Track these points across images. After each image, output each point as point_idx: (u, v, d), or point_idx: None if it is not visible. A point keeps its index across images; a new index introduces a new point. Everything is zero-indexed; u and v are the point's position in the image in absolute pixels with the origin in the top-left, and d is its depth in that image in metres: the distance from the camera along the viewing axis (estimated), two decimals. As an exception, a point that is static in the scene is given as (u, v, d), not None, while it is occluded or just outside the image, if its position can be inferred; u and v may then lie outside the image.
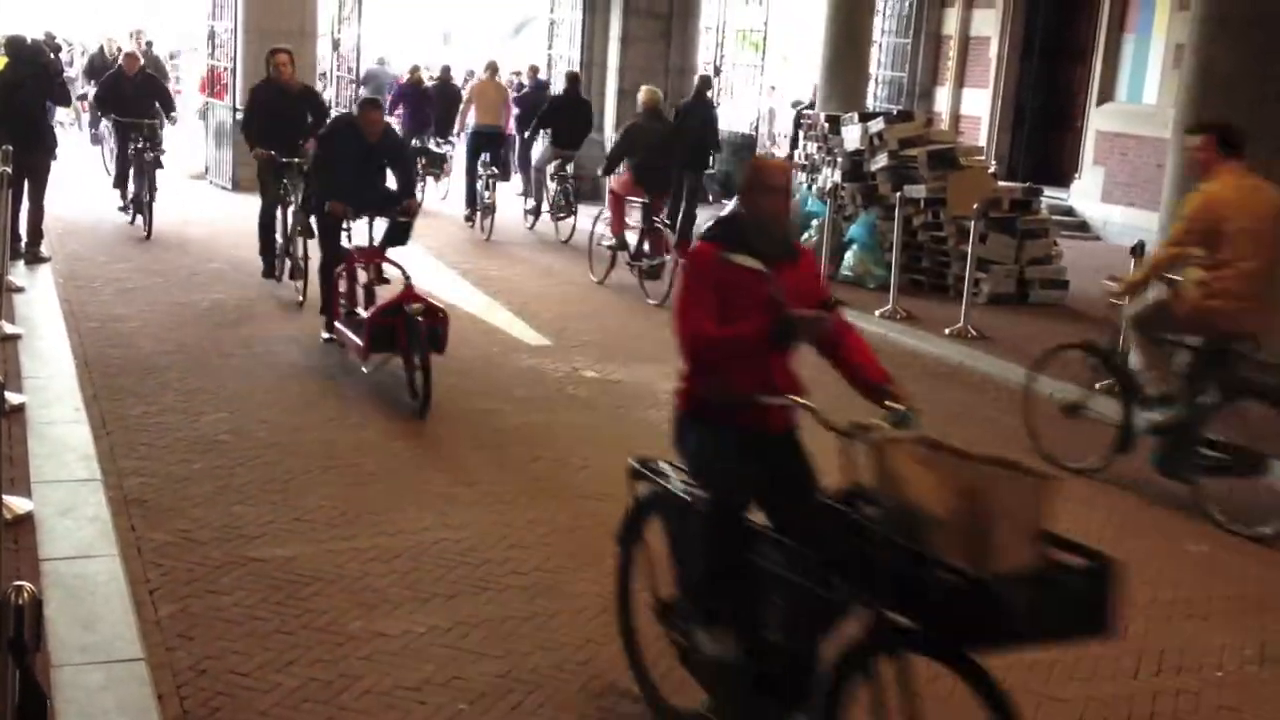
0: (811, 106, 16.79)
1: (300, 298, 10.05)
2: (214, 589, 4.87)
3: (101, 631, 4.43)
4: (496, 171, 15.15)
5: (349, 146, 8.55)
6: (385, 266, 8.48)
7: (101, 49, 21.45)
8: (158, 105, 13.71)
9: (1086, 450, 7.01)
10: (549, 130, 15.10)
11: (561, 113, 14.87)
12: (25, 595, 2.61)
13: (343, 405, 7.51)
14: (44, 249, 11.12)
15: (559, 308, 10.78)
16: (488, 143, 15.34)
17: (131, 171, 13.43)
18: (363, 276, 8.52)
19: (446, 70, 18.71)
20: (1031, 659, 4.73)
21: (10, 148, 9.86)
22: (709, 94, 15.56)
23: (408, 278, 7.86)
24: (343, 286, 8.56)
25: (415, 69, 18.03)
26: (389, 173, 8.86)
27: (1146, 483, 6.73)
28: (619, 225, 12.11)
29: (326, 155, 8.81)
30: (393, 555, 5.30)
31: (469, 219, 15.41)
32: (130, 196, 13.53)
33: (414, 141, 16.42)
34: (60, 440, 6.39)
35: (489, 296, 10.93)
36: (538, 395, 8.02)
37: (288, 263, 10.67)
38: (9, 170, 9.35)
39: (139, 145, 13.14)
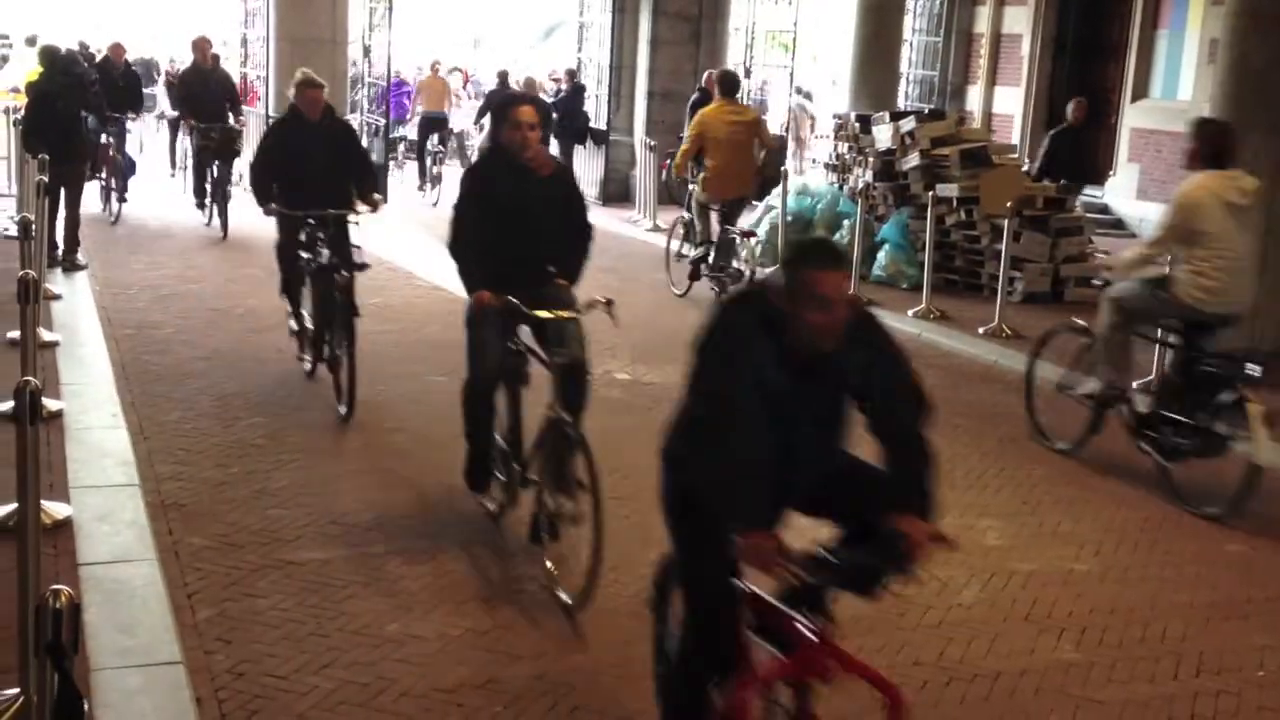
0: (809, 97, 16.86)
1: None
2: (251, 592, 4.90)
3: (140, 635, 4.46)
4: (444, 150, 19.10)
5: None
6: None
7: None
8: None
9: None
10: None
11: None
12: (63, 599, 2.63)
13: (377, 410, 7.53)
14: (80, 256, 11.24)
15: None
16: (434, 126, 19.11)
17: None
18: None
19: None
20: (1069, 660, 4.70)
21: (46, 157, 10.02)
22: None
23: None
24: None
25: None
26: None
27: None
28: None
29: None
30: (428, 558, 5.32)
31: (420, 188, 18.65)
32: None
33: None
34: (98, 446, 6.45)
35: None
36: (570, 398, 8.01)
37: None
38: (46, 179, 9.49)
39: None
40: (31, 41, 18.84)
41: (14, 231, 11.78)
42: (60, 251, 11.04)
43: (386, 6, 18.24)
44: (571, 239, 5.73)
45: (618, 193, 17.85)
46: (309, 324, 7.92)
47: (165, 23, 29.33)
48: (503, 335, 5.47)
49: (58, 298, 9.66)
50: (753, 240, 11.35)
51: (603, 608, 4.91)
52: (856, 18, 16.11)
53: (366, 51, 18.38)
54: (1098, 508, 6.42)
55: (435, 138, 18.98)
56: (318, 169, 7.76)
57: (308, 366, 8.02)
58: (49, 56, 11.63)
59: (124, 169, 14.42)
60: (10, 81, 16.75)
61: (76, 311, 9.49)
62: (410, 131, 21.24)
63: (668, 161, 15.63)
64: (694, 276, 11.53)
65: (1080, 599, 5.27)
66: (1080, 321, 7.58)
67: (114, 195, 14.10)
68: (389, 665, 4.39)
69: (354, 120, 15.30)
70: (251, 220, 10.27)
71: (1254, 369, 6.29)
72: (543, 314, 5.20)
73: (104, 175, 14.17)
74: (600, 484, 4.75)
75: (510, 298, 5.21)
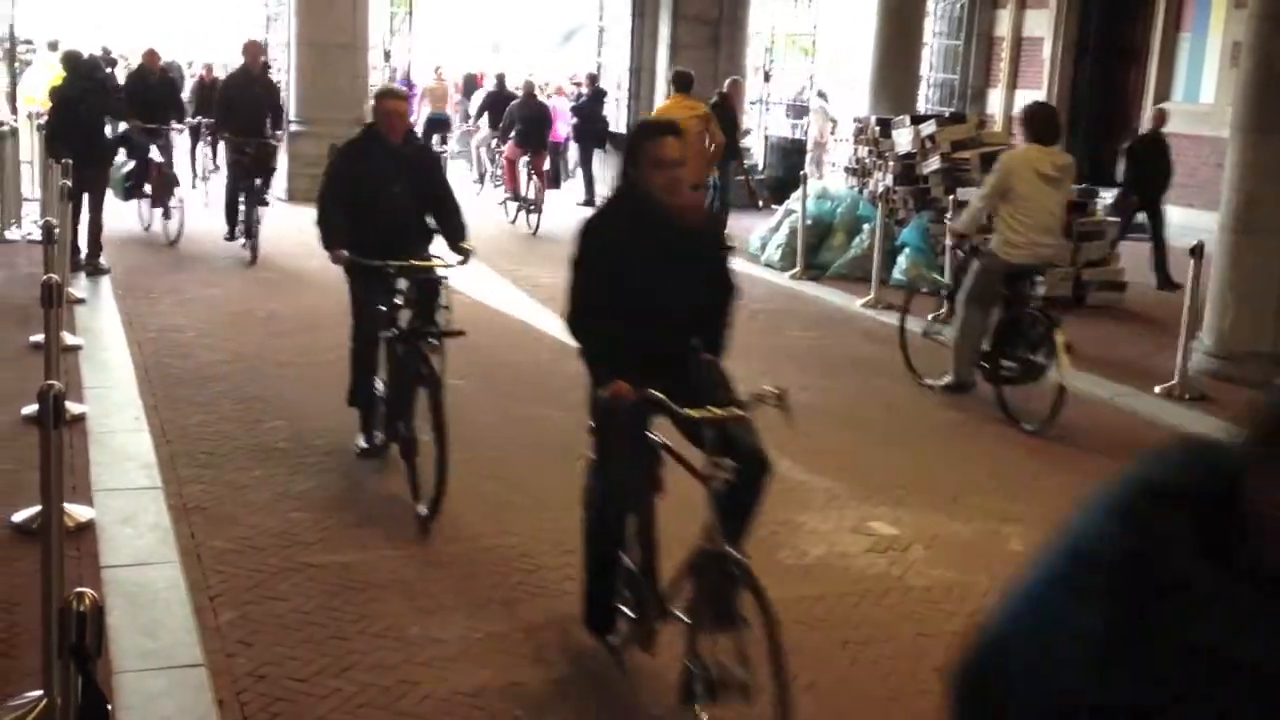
0: (826, 99, 16.86)
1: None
2: (273, 595, 4.91)
3: (162, 638, 4.48)
4: (446, 149, 19.73)
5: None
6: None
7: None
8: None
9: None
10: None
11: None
12: (87, 602, 2.64)
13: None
14: (103, 260, 11.30)
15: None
16: (438, 127, 20.43)
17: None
18: None
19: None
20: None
21: (70, 161, 10.09)
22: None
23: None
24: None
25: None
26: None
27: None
28: None
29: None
30: (449, 561, 5.33)
31: None
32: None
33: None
34: (121, 449, 6.48)
35: (538, 303, 10.95)
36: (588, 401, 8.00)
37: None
38: (69, 183, 9.54)
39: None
40: (53, 46, 18.95)
41: (38, 236, 11.87)
42: (83, 256, 11.10)
43: (406, 11, 18.32)
44: (718, 305, 4.41)
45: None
46: (379, 390, 6.50)
47: (183, 27, 29.47)
48: (639, 436, 4.19)
49: (81, 301, 9.71)
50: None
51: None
52: (876, 21, 16.10)
53: (387, 56, 18.48)
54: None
55: (438, 138, 20.02)
56: (397, 205, 6.31)
57: (362, 443, 6.58)
58: (71, 61, 11.71)
59: (171, 183, 13.25)
60: (34, 87, 16.84)
61: (99, 315, 9.54)
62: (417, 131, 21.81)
63: None
64: None
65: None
66: (939, 278, 9.31)
67: (166, 212, 13.06)
68: (410, 668, 4.39)
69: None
70: (283, 244, 9.97)
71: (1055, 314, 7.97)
72: (697, 413, 3.86)
73: (153, 192, 13.23)
74: (779, 647, 3.62)
75: (651, 391, 3.91)
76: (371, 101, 7.01)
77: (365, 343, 6.49)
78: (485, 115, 19.03)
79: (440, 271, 6.13)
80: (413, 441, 5.94)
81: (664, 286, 4.16)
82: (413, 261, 6.06)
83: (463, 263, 6.31)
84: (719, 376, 4.21)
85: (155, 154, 13.28)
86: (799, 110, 19.81)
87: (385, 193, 6.28)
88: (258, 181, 12.43)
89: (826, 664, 4.53)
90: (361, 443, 6.60)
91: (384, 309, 6.16)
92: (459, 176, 17.04)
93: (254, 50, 13.39)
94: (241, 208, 12.54)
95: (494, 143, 18.49)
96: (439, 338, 5.88)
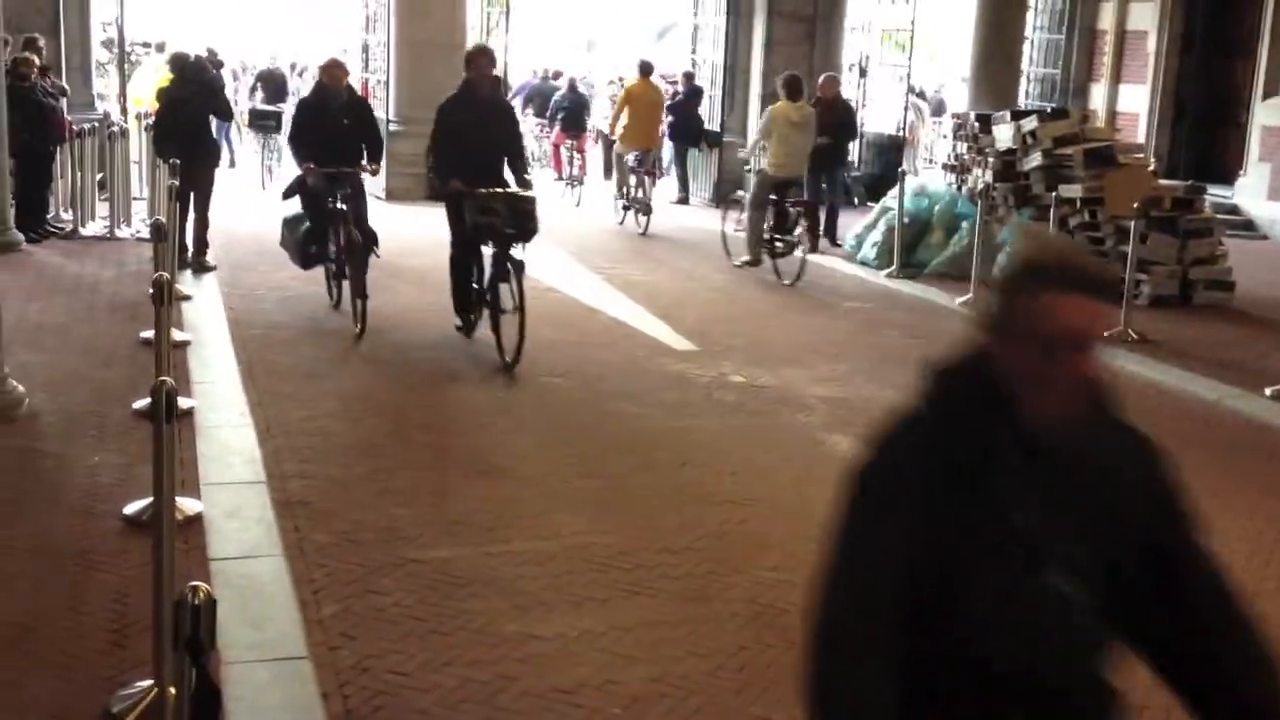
0: (923, 96, 16.58)
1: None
2: (374, 589, 4.97)
3: (268, 630, 4.57)
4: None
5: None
6: None
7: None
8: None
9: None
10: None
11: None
12: (202, 595, 2.70)
13: (497, 411, 7.61)
14: (209, 258, 11.55)
15: (703, 311, 10.77)
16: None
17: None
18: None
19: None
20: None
21: (178, 161, 10.33)
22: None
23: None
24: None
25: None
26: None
27: None
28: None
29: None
30: (546, 559, 5.36)
31: None
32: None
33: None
34: (226, 444, 6.62)
35: (632, 301, 10.98)
36: (685, 400, 8.02)
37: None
38: (178, 183, 9.77)
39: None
40: (160, 49, 19.41)
41: (146, 234, 12.17)
42: (190, 254, 11.35)
43: (503, 10, 18.47)
44: None
45: (731, 194, 17.83)
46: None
47: (289, 29, 29.99)
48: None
49: (188, 298, 9.93)
50: (655, 178, 16.19)
51: (719, 612, 4.90)
52: (976, 15, 15.89)
53: (485, 55, 18.61)
54: (1232, 518, 6.21)
55: None
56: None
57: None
58: (179, 63, 11.99)
59: (360, 248, 9.26)
60: (142, 88, 17.24)
61: (205, 312, 9.75)
62: None
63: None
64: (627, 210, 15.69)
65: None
66: (741, 193, 13.45)
67: (358, 289, 9.10)
68: (508, 664, 4.42)
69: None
70: (382, 242, 9.66)
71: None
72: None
73: (337, 259, 9.66)
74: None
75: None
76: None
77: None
78: (531, 105, 21.01)
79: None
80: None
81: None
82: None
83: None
84: None
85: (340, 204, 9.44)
86: (897, 106, 19.59)
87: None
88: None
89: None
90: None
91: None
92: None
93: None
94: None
95: (538, 130, 20.32)
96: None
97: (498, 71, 17.87)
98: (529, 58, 24.41)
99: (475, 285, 8.78)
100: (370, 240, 9.40)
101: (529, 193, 8.50)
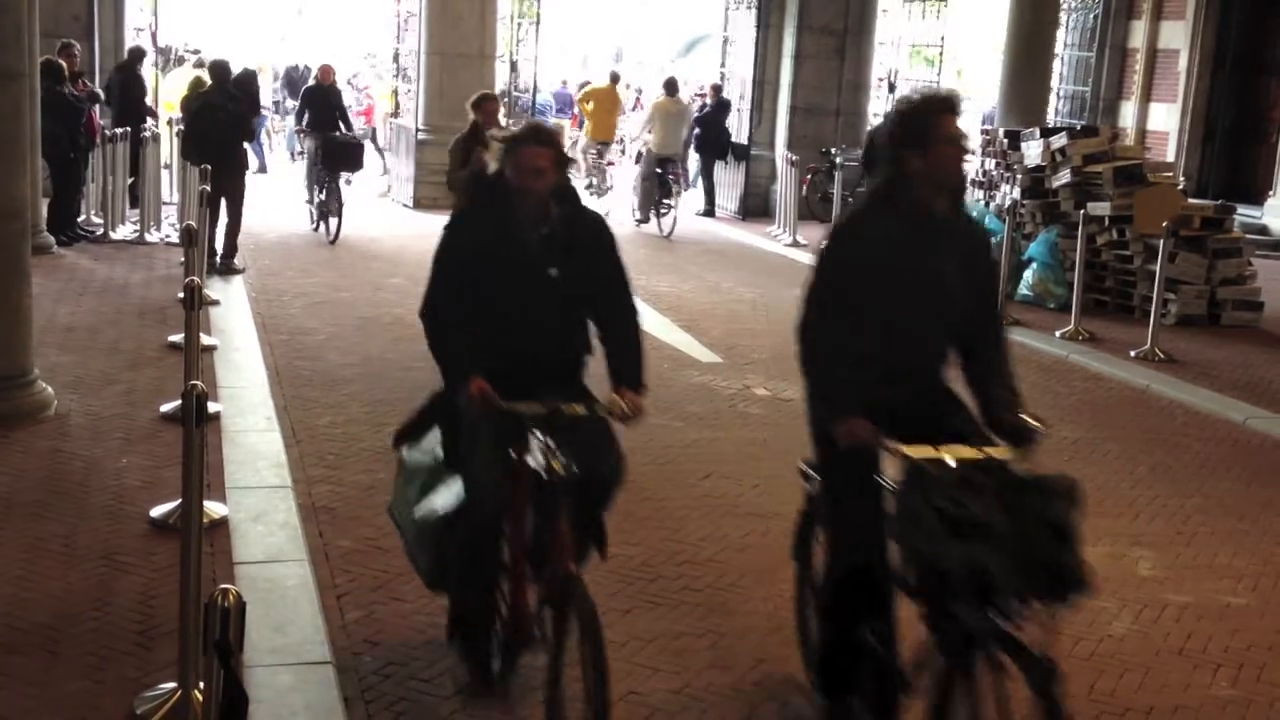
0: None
1: None
2: (397, 596, 4.99)
3: (292, 634, 4.58)
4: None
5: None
6: None
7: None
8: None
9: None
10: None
11: None
12: (231, 599, 2.71)
13: (519, 419, 7.61)
14: (237, 261, 11.62)
15: (729, 324, 10.78)
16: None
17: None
18: None
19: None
20: (1225, 698, 4.52)
21: (209, 166, 10.41)
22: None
23: None
24: None
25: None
26: None
27: None
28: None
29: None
30: (568, 569, 5.35)
31: None
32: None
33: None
34: (253, 448, 6.65)
35: (658, 312, 10.98)
36: (709, 412, 8.02)
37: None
38: (207, 188, 9.84)
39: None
40: (197, 57, 19.56)
41: (175, 238, 12.27)
42: (218, 257, 11.43)
43: (533, 21, 18.52)
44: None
45: (757, 207, 17.87)
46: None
47: (324, 35, 30.16)
48: None
49: (215, 303, 9.99)
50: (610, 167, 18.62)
51: (741, 624, 4.89)
52: (1007, 32, 15.83)
53: (513, 66, 18.68)
54: (1257, 540, 6.19)
55: None
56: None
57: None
58: (220, 71, 12.07)
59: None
60: (172, 94, 17.37)
61: (233, 317, 9.80)
62: None
63: (809, 176, 16.15)
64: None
65: (1237, 634, 5.08)
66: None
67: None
68: (530, 673, 4.42)
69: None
70: (408, 252, 10.20)
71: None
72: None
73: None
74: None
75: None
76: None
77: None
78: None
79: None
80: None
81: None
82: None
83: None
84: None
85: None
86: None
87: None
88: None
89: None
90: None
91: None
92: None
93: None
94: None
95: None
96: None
97: (527, 83, 18.24)
98: (558, 70, 24.47)
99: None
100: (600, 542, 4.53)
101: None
